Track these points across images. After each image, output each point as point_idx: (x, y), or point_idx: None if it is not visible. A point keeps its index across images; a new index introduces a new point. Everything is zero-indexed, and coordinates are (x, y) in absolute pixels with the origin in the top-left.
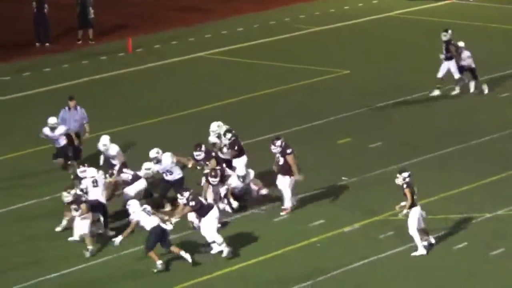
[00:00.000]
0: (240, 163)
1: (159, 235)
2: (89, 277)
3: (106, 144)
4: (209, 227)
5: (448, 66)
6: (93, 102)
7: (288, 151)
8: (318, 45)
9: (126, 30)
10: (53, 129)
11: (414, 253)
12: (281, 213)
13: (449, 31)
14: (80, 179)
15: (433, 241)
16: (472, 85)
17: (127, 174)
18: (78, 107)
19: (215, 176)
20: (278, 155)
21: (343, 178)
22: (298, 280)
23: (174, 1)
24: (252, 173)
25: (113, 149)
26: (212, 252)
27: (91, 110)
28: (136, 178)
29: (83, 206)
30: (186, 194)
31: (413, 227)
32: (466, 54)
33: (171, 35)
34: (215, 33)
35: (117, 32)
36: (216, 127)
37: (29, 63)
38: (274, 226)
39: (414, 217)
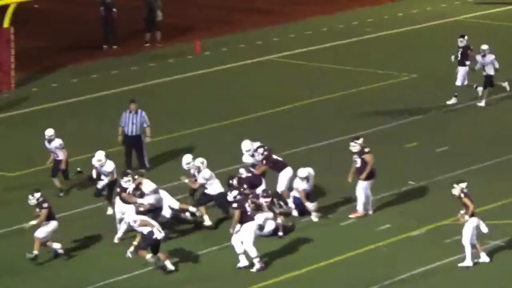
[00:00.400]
0: (285, 175)
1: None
2: (143, 285)
3: (101, 160)
4: (246, 237)
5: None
6: (160, 105)
7: (366, 149)
8: (386, 49)
9: (194, 33)
10: (50, 141)
11: (461, 264)
12: (350, 215)
13: (466, 37)
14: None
15: (485, 259)
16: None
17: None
18: (139, 111)
19: (268, 196)
20: (355, 156)
21: (410, 182)
22: (364, 285)
23: (243, 4)
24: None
25: (109, 166)
26: (239, 265)
27: (158, 113)
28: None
29: (43, 211)
30: (235, 192)
31: (466, 237)
32: (489, 58)
33: (239, 38)
34: (283, 36)
35: (185, 35)
36: (249, 145)
37: (96, 66)
38: (341, 230)
39: (470, 227)
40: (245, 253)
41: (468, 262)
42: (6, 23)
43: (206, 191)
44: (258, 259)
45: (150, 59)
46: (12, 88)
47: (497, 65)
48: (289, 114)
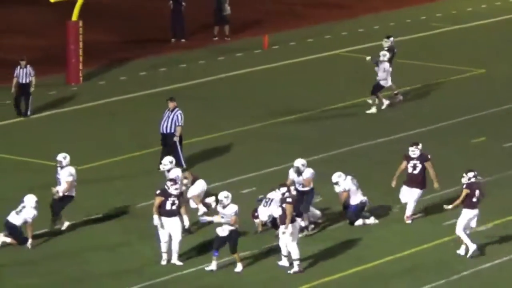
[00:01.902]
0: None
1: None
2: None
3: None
4: (291, 237)
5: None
6: (228, 98)
7: (429, 156)
8: (454, 43)
9: (262, 27)
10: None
11: (463, 253)
12: (407, 221)
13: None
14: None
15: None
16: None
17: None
18: (176, 109)
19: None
20: (415, 161)
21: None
22: (431, 279)
23: None
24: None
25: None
26: (280, 263)
27: (226, 106)
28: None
29: None
30: (284, 189)
31: (459, 227)
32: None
33: (308, 33)
34: (351, 31)
35: (253, 29)
36: (301, 165)
37: (164, 59)
38: (408, 225)
39: (463, 218)
40: (288, 254)
41: (471, 248)
42: (74, 17)
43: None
44: (298, 262)
45: (218, 53)
46: (80, 81)
47: None
48: (358, 108)
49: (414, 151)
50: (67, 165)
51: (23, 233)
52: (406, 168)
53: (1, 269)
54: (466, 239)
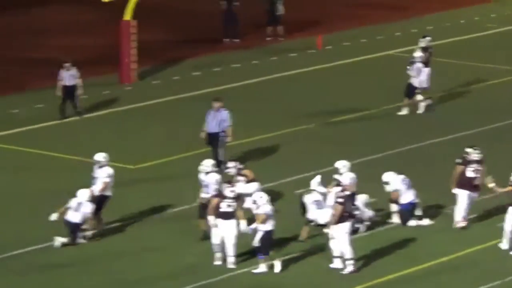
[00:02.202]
0: None
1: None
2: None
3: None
4: (343, 238)
5: None
6: (280, 99)
7: (484, 158)
8: (508, 44)
9: (316, 27)
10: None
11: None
12: (460, 225)
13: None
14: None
15: None
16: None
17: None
18: (222, 110)
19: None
20: (473, 165)
21: None
22: (485, 280)
23: None
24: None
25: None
26: (331, 265)
27: (279, 106)
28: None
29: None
30: (337, 188)
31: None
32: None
33: (361, 33)
34: (404, 32)
35: (307, 29)
36: (342, 166)
37: (219, 59)
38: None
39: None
40: (341, 255)
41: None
42: (127, 16)
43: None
44: (352, 262)
45: (271, 53)
46: (133, 81)
47: None
48: (410, 108)
49: (473, 154)
50: (105, 165)
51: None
52: (463, 171)
53: (60, 269)
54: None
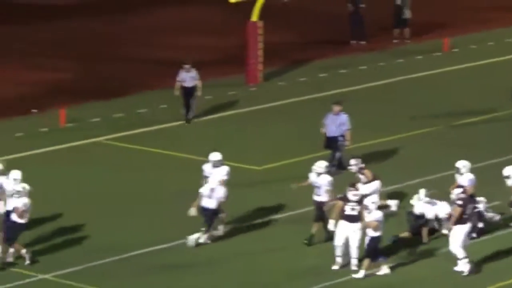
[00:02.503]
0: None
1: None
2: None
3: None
4: (456, 239)
5: None
6: (407, 101)
7: None
8: None
9: (442, 30)
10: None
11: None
12: None
13: None
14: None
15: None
16: None
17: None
18: (341, 113)
19: None
20: None
21: None
22: None
23: (493, 2)
24: None
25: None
26: (456, 268)
27: (405, 108)
28: None
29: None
30: (459, 190)
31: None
32: None
33: (489, 36)
34: None
35: (433, 32)
36: (462, 166)
37: (345, 61)
38: None
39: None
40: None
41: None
42: (254, 17)
43: None
44: (465, 261)
45: (398, 55)
46: (259, 81)
47: None
48: None
49: None
50: (221, 165)
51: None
52: None
53: (181, 269)
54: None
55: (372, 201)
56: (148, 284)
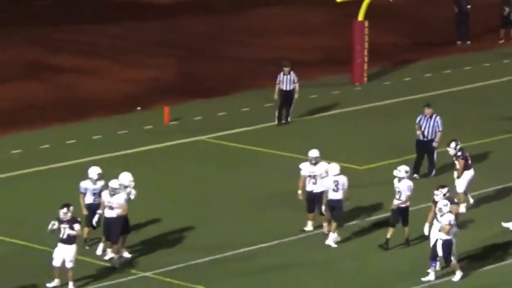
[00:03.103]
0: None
1: None
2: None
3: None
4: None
5: None
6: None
7: None
8: None
9: None
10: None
11: None
12: None
13: None
14: None
15: None
16: None
17: None
18: (434, 115)
19: None
20: None
21: None
22: None
23: None
24: None
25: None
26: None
27: (507, 110)
28: None
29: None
30: None
31: None
32: None
33: None
34: None
35: None
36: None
37: (449, 61)
38: None
39: None
40: None
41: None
42: (360, 17)
43: None
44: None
45: (503, 56)
46: (364, 81)
47: None
48: None
49: None
50: (319, 162)
51: None
52: None
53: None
54: None
55: (444, 204)
56: (253, 284)
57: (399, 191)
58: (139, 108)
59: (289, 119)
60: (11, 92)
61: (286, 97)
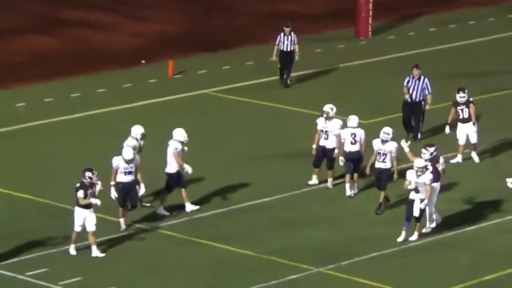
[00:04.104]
0: None
1: None
2: None
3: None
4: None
5: None
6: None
7: None
8: None
9: None
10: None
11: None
12: None
13: None
14: None
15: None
16: None
17: None
18: (422, 77)
19: None
20: None
21: None
22: None
23: None
24: None
25: None
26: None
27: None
28: None
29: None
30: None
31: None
32: None
33: None
34: None
35: None
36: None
37: (454, 16)
38: None
39: None
40: None
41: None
42: None
43: None
44: None
45: (508, 11)
46: (369, 35)
47: None
48: None
49: None
50: (333, 117)
51: None
52: None
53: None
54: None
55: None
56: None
57: (384, 154)
58: (143, 61)
59: (288, 81)
60: (20, 45)
61: (286, 58)
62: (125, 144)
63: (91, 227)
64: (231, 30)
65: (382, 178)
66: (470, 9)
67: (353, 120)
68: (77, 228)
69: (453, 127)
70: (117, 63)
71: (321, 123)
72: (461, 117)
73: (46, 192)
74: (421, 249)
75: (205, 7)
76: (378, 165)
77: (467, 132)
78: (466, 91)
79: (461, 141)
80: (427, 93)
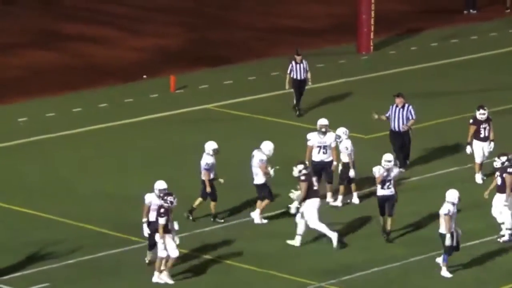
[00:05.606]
0: None
1: None
2: None
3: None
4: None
5: None
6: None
7: None
8: None
9: None
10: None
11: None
12: None
13: None
14: None
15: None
16: None
17: None
18: (406, 105)
19: None
20: None
21: None
22: None
23: None
24: None
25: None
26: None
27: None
28: None
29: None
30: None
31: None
32: None
33: None
34: None
35: None
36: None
37: (456, 31)
38: None
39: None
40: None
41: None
42: None
43: None
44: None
45: (510, 26)
46: (370, 50)
47: None
48: None
49: None
50: (329, 131)
51: None
52: None
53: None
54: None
55: None
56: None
57: (389, 180)
58: (145, 76)
59: (298, 113)
60: (21, 59)
61: (301, 86)
62: (202, 162)
63: (173, 253)
64: (232, 44)
65: (388, 205)
66: (473, 24)
67: (345, 130)
68: (162, 253)
69: (469, 144)
70: (118, 77)
71: (316, 138)
72: (482, 135)
73: (48, 206)
74: (423, 265)
75: (206, 21)
76: (381, 192)
77: (484, 149)
78: (485, 108)
79: (479, 159)
80: (410, 118)
